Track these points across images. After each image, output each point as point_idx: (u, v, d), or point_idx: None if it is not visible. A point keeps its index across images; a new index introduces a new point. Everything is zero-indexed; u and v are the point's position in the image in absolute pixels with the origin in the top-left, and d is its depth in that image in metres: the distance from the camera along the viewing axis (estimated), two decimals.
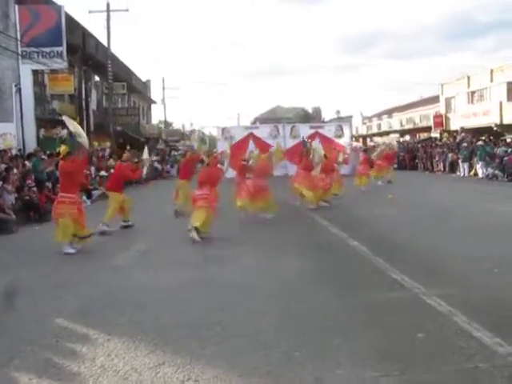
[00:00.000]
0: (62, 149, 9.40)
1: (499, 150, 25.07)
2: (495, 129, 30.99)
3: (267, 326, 4.86)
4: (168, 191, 20.16)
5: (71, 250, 8.88)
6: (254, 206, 12.28)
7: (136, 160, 13.77)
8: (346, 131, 30.21)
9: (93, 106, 32.03)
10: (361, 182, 19.44)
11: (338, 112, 74.14)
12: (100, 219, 10.98)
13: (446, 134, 36.96)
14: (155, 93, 66.38)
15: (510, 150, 24.52)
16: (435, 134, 38.81)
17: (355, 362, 4.02)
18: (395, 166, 29.48)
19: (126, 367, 4.07)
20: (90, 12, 31.78)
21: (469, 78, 35.04)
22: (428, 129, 40.80)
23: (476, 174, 26.15)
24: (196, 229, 9.56)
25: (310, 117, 72.12)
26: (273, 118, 62.86)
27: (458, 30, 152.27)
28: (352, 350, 4.24)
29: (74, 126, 9.66)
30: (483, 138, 28.68)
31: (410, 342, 4.37)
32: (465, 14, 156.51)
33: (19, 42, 21.59)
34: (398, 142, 39.35)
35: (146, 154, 13.51)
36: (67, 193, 9.07)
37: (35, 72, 23.10)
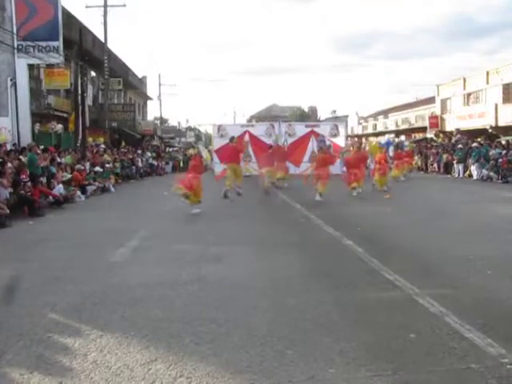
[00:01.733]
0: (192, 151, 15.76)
1: (494, 152, 25.18)
2: (490, 131, 31.10)
3: (261, 324, 4.86)
4: (163, 188, 20.17)
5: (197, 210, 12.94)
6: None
7: None
8: (342, 131, 30.26)
9: (89, 101, 31.98)
10: (381, 181, 18.88)
11: (334, 111, 74.43)
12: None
13: (441, 135, 37.09)
14: (151, 89, 66.18)
15: (504, 152, 24.64)
16: (430, 135, 38.93)
17: (348, 361, 4.03)
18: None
19: (119, 363, 4.06)
20: (86, 7, 31.81)
21: (465, 79, 35.17)
22: (423, 129, 40.91)
23: (470, 176, 26.26)
24: (320, 194, 15.28)
25: (305, 116, 72.30)
26: (269, 116, 63.00)
27: (455, 30, 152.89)
28: (344, 349, 4.25)
29: (205, 153, 14.56)
30: (479, 139, 28.80)
31: (402, 342, 4.38)
32: (463, 15, 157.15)
33: (15, 36, 21.49)
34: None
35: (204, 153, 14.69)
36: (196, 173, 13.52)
37: (31, 66, 23.05)
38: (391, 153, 25.32)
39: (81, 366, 4.02)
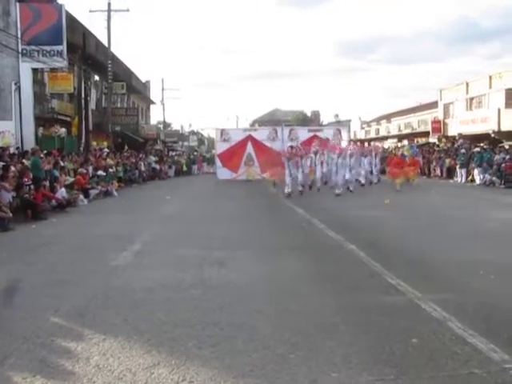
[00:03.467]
0: None
1: (497, 157, 25.14)
2: (493, 135, 31.05)
3: (263, 328, 4.86)
4: (166, 192, 20.21)
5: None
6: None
7: None
8: (344, 135, 30.30)
9: (92, 105, 32.08)
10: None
11: (337, 116, 74.54)
12: None
13: (443, 140, 37.05)
14: (154, 93, 66.26)
15: (507, 157, 24.60)
16: (433, 140, 38.89)
17: (350, 365, 4.03)
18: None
19: (121, 367, 4.07)
20: (90, 11, 31.89)
21: (467, 84, 35.13)
22: (426, 134, 40.86)
23: (473, 180, 26.21)
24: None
25: (308, 120, 72.31)
26: (271, 120, 63.01)
27: (459, 35, 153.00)
28: (347, 353, 4.24)
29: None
30: (482, 144, 28.76)
31: (405, 347, 4.37)
32: (467, 19, 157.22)
33: (19, 40, 21.58)
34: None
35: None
36: None
37: (35, 70, 23.15)
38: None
39: (83, 370, 4.02)
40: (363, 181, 23.31)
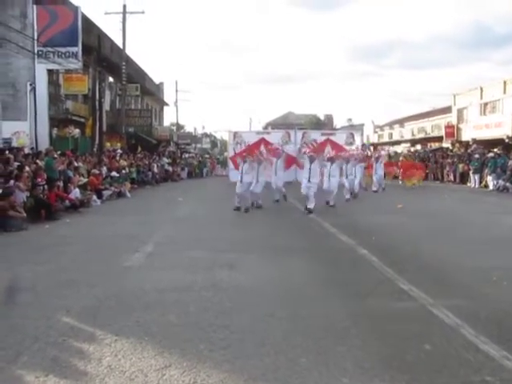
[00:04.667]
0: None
1: (510, 163, 24.95)
2: (507, 141, 30.80)
3: (274, 332, 4.86)
4: (178, 194, 20.30)
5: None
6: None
7: None
8: (357, 139, 30.18)
9: (106, 106, 32.27)
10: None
11: (350, 120, 74.27)
12: None
13: (457, 145, 36.83)
14: (168, 95, 66.57)
15: None
16: (446, 145, 38.68)
17: (361, 370, 4.02)
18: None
19: (133, 368, 4.08)
20: (106, 13, 32.06)
21: (482, 89, 34.89)
22: (439, 139, 40.63)
23: (486, 186, 26.04)
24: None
25: (321, 124, 72.21)
26: (285, 123, 62.97)
27: (473, 40, 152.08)
28: (358, 358, 4.23)
29: None
30: (496, 149, 28.55)
31: (417, 353, 4.35)
32: (481, 25, 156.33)
33: (35, 42, 21.78)
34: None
35: None
36: None
37: (50, 71, 23.33)
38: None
39: (95, 370, 4.05)
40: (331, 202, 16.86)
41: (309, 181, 14.76)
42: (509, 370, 4.00)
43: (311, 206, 14.56)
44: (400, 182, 28.22)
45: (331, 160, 16.80)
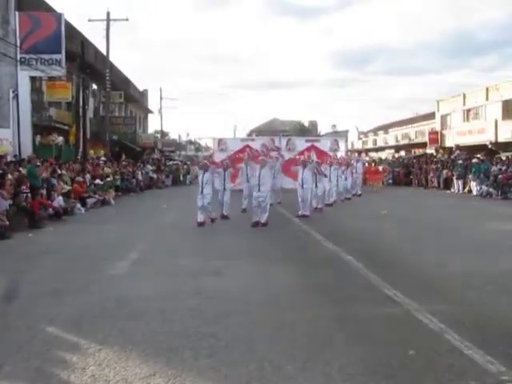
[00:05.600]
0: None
1: (494, 168, 25.22)
2: (490, 147, 31.14)
3: (260, 339, 4.85)
4: (163, 201, 20.21)
5: None
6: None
7: None
8: (342, 146, 30.33)
9: (90, 114, 32.06)
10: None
11: (334, 126, 74.55)
12: None
13: (441, 151, 37.16)
14: (152, 103, 66.39)
15: (504, 168, 24.68)
16: (430, 151, 39.01)
17: (346, 376, 4.02)
18: (390, 181, 34.90)
19: (117, 377, 4.05)
20: (89, 20, 31.93)
21: (464, 95, 35.27)
22: (423, 145, 40.97)
23: (470, 191, 26.28)
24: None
25: (306, 130, 72.40)
26: (269, 130, 63.00)
27: (456, 47, 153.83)
28: (343, 365, 4.23)
29: None
30: (479, 155, 28.84)
31: (402, 358, 4.37)
32: (464, 32, 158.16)
33: (18, 49, 21.60)
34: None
35: None
36: None
37: (33, 79, 23.12)
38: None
39: (79, 380, 4.00)
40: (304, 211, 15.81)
41: (302, 187, 15.26)
42: (493, 375, 4.02)
43: (306, 212, 15.27)
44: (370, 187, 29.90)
45: (304, 165, 15.86)
